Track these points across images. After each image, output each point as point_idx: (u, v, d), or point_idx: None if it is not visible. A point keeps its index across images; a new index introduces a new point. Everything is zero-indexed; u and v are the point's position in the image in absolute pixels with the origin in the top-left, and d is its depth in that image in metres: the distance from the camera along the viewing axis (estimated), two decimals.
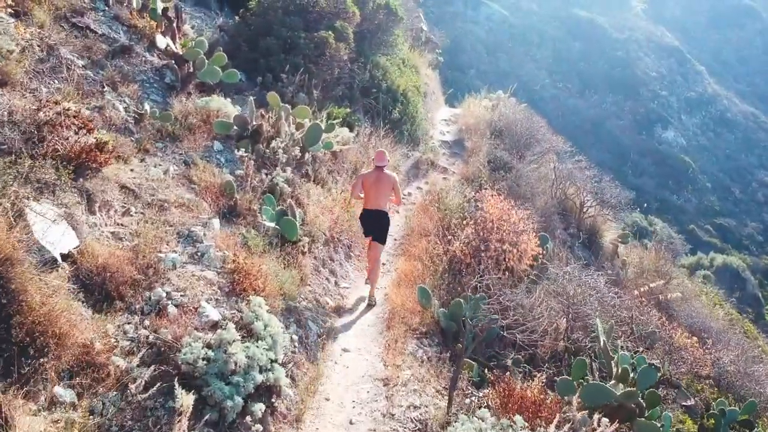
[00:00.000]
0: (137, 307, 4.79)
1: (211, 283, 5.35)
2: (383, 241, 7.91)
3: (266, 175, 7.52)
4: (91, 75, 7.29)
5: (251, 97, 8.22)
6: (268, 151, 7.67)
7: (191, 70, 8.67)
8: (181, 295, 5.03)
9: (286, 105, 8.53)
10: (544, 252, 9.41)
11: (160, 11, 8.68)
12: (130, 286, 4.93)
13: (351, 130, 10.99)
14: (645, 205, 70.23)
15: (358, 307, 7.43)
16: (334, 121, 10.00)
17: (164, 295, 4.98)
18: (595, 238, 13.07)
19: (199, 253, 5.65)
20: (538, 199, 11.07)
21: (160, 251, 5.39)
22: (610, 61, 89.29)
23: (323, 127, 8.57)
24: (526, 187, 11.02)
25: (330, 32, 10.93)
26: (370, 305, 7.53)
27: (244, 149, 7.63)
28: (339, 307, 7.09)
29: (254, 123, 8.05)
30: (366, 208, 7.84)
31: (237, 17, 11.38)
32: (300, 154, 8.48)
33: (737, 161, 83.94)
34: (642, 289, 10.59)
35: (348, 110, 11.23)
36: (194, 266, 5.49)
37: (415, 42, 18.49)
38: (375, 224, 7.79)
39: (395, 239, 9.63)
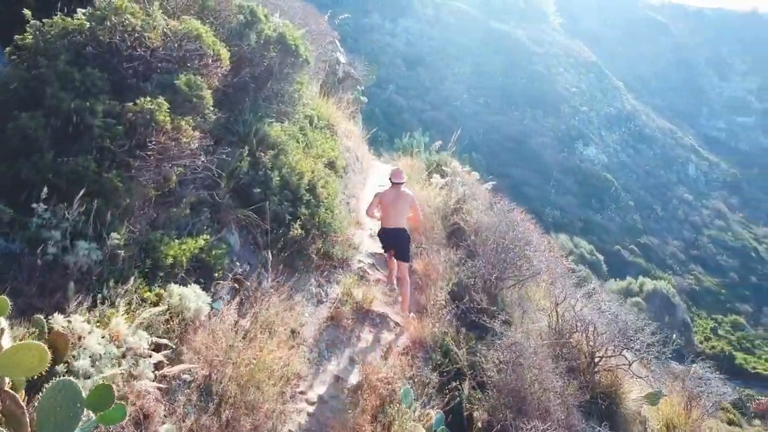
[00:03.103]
0: None
1: None
2: (406, 260, 8.06)
3: None
4: None
5: None
6: None
7: None
8: None
9: None
10: None
11: None
12: None
13: (209, 286, 5.75)
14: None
15: None
16: (157, 296, 4.76)
17: None
18: (614, 406, 8.35)
19: None
20: (550, 397, 6.13)
21: None
22: (530, 75, 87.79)
23: (84, 398, 3.22)
24: (530, 374, 6.09)
25: (162, 99, 5.59)
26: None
27: None
28: None
29: None
30: (384, 226, 8.11)
31: None
32: None
33: (657, 178, 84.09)
34: None
35: (204, 240, 5.93)
36: None
37: (328, 79, 13.31)
38: (395, 242, 8.02)
39: None
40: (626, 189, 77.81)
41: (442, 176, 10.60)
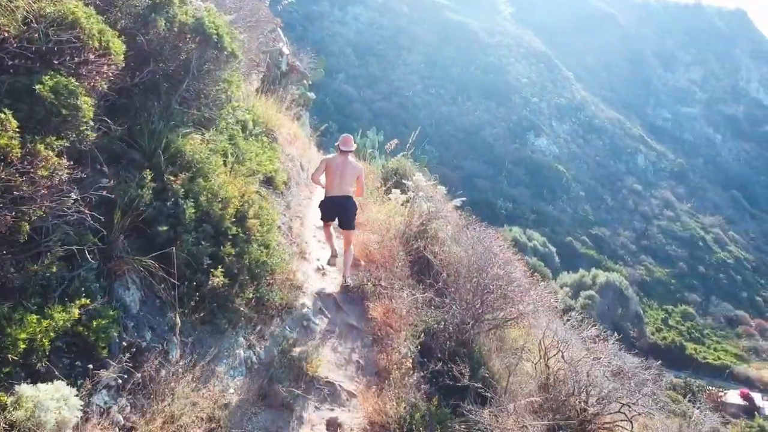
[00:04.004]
0: None
1: None
2: (352, 227, 8.00)
3: None
4: None
5: None
6: None
7: None
8: None
9: None
10: None
11: None
12: None
13: (88, 372, 4.10)
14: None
15: None
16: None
17: None
18: None
19: None
20: None
21: None
22: (482, 66, 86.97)
23: None
24: None
25: (8, 113, 3.86)
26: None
27: None
28: None
29: None
30: (330, 195, 7.93)
31: None
32: None
33: (607, 168, 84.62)
34: None
35: (80, 307, 4.23)
36: None
37: (270, 73, 11.55)
38: (340, 210, 7.90)
39: None
40: (577, 180, 78.06)
41: (403, 191, 9.01)
